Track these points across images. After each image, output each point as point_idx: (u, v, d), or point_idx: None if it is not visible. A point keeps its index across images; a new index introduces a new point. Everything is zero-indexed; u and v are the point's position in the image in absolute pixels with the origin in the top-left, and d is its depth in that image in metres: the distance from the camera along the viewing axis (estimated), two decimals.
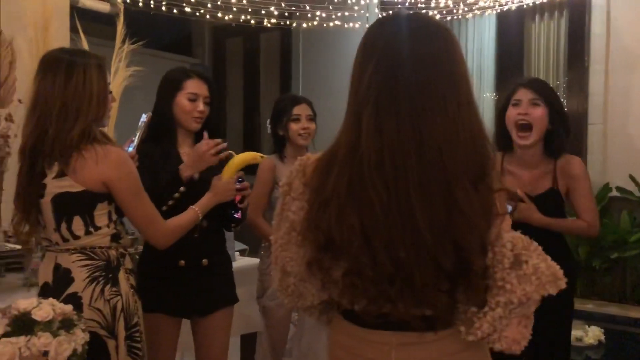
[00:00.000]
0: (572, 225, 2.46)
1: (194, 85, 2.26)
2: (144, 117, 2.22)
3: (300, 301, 1.29)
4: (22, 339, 1.52)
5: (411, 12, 1.23)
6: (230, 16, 5.70)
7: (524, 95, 2.38)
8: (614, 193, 5.10)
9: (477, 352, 1.20)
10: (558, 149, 2.40)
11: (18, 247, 2.45)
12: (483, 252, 1.09)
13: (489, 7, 5.48)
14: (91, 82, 1.78)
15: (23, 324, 1.55)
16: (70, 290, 1.76)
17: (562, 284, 1.10)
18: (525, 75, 5.87)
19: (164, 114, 2.26)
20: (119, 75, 3.22)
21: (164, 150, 2.25)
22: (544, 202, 2.36)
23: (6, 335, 1.53)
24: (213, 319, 2.29)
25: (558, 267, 1.11)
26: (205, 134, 2.21)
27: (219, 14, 5.64)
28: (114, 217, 1.84)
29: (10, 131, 2.56)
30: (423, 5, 5.43)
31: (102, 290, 1.77)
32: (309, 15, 5.84)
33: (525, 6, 5.47)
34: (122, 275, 1.83)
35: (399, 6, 5.63)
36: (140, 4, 5.20)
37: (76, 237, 1.78)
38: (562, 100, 5.64)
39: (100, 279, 1.78)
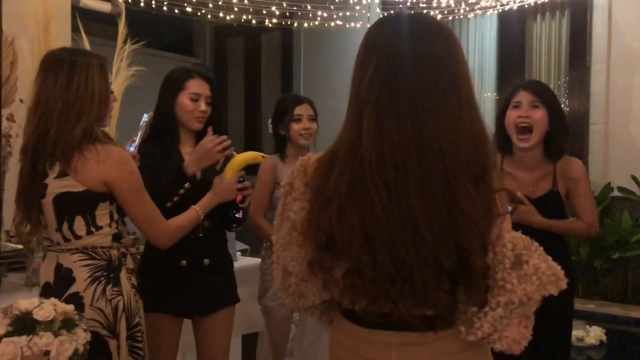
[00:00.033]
0: (573, 226, 2.47)
1: (196, 85, 2.27)
2: (145, 117, 2.22)
3: (302, 301, 1.29)
4: (23, 339, 1.52)
5: (412, 12, 1.23)
6: (232, 16, 5.71)
7: (523, 97, 2.38)
8: (616, 193, 5.09)
9: (478, 352, 1.20)
10: (558, 151, 2.40)
11: (20, 246, 2.45)
12: (484, 252, 1.09)
13: (490, 7, 5.48)
14: (93, 82, 1.78)
15: (25, 324, 1.55)
16: (71, 290, 1.76)
17: (563, 284, 1.10)
18: (527, 75, 5.88)
19: (166, 114, 2.27)
20: (121, 75, 3.22)
21: (166, 150, 2.25)
22: (544, 204, 2.36)
23: (8, 335, 1.53)
24: (214, 319, 2.29)
25: (559, 267, 1.11)
26: (210, 130, 2.21)
27: (221, 14, 5.64)
28: (116, 216, 1.84)
29: (12, 131, 2.56)
30: (424, 5, 5.43)
31: (104, 290, 1.77)
32: (310, 15, 5.84)
33: (526, 6, 5.47)
34: (123, 275, 1.83)
35: (400, 6, 5.63)
36: (142, 4, 5.20)
37: (78, 237, 1.79)
38: (563, 100, 5.66)
39: (102, 278, 1.78)
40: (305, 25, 6.04)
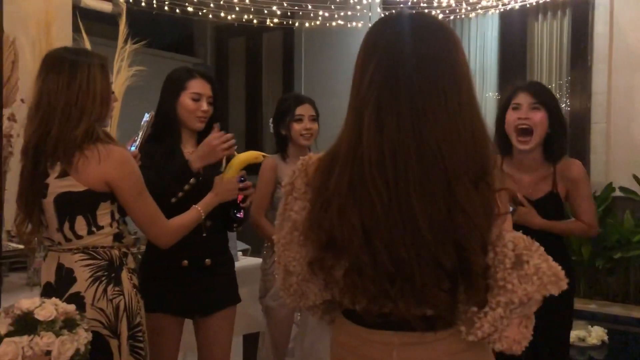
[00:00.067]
0: (572, 227, 2.48)
1: (197, 85, 2.27)
2: (146, 117, 2.22)
3: (303, 301, 1.29)
4: (25, 339, 1.52)
5: (413, 12, 1.23)
6: (233, 16, 5.70)
7: (523, 99, 2.37)
8: (617, 193, 5.09)
9: (480, 353, 1.20)
10: (558, 152, 2.39)
11: (21, 246, 2.45)
12: (483, 252, 1.09)
13: (491, 7, 5.47)
14: (95, 82, 1.78)
15: (26, 324, 1.55)
16: (72, 290, 1.76)
17: (564, 284, 1.10)
18: (528, 74, 5.87)
19: (167, 114, 2.27)
20: (122, 75, 3.22)
21: (167, 150, 2.25)
22: (544, 206, 2.36)
23: (9, 334, 1.53)
24: (215, 319, 2.29)
25: (560, 267, 1.11)
26: (217, 126, 2.21)
27: (222, 14, 5.65)
28: (117, 216, 1.84)
29: (13, 131, 2.56)
30: (425, 5, 5.42)
31: (105, 290, 1.77)
32: (312, 14, 5.84)
33: (528, 5, 5.46)
34: (124, 274, 1.83)
35: (402, 5, 5.63)
36: (143, 4, 5.20)
37: (79, 237, 1.79)
38: (565, 99, 5.65)
39: (103, 278, 1.78)
40: (307, 25, 6.04)
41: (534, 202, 2.36)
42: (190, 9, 5.47)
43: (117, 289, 1.79)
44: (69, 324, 1.59)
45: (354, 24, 5.93)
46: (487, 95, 6.11)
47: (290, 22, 5.99)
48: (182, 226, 1.99)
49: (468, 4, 5.44)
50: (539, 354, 2.20)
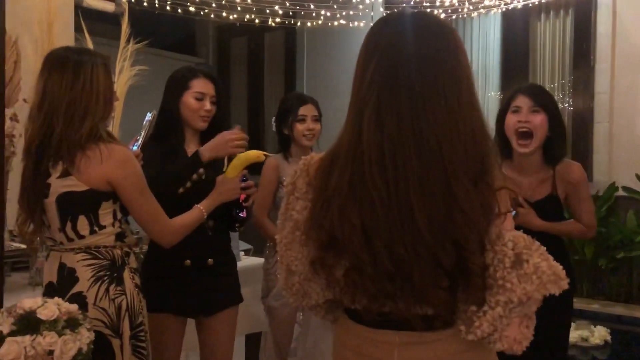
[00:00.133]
0: (571, 229, 2.48)
1: (200, 85, 2.27)
2: (149, 116, 2.22)
3: (306, 300, 1.29)
4: (27, 338, 1.52)
5: (415, 11, 1.23)
6: (235, 15, 5.70)
7: (523, 102, 2.36)
8: (620, 192, 5.08)
9: (481, 353, 1.19)
10: (557, 155, 2.39)
11: (23, 246, 2.45)
12: (481, 251, 1.09)
13: (494, 6, 5.46)
14: (98, 81, 1.78)
15: (28, 323, 1.55)
16: (75, 289, 1.76)
17: (564, 284, 1.10)
18: (531, 74, 5.87)
19: (170, 113, 2.27)
20: (124, 75, 3.23)
21: (170, 149, 2.25)
22: (543, 208, 2.36)
23: (11, 334, 1.54)
24: (218, 319, 2.29)
25: (560, 267, 1.11)
26: (238, 127, 2.22)
27: (224, 14, 5.64)
28: (119, 215, 1.84)
29: (15, 130, 2.56)
30: (428, 4, 5.41)
31: (107, 290, 1.77)
32: (314, 14, 5.84)
33: (530, 5, 5.45)
34: (126, 274, 1.83)
35: (404, 5, 5.62)
36: (145, 4, 5.20)
37: (81, 237, 1.79)
38: (567, 99, 5.64)
39: (105, 278, 1.78)
40: (309, 24, 6.03)
41: (534, 204, 2.36)
42: (192, 8, 5.47)
43: (119, 288, 1.79)
44: (72, 324, 1.59)
45: (356, 23, 5.93)
46: (489, 95, 6.10)
47: (292, 22, 5.99)
48: (185, 225, 1.99)
49: (470, 3, 5.43)
50: (538, 354, 2.20)
